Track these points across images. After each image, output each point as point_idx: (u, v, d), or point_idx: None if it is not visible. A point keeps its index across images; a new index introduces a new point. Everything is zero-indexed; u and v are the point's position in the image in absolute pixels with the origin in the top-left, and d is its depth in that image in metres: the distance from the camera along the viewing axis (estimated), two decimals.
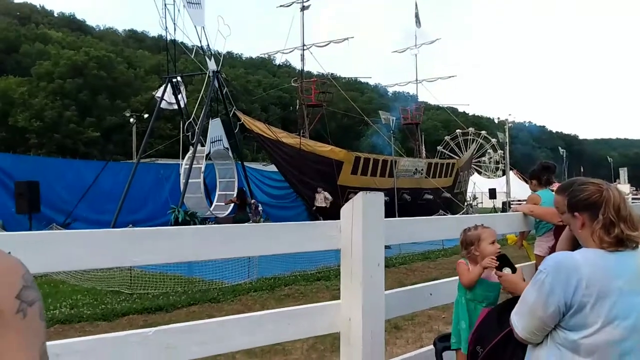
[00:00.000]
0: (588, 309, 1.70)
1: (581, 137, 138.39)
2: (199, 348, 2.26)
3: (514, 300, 2.23)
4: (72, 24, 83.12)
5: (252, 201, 18.07)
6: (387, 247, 2.91)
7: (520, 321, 1.88)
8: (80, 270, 8.76)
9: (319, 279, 10.27)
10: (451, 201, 28.10)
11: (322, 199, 18.58)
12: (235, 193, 18.59)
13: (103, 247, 1.91)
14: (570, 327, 1.75)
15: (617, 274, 1.73)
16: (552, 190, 4.27)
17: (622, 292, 1.71)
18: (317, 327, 2.72)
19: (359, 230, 2.59)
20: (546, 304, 1.76)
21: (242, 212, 16.78)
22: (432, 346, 3.36)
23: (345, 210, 2.68)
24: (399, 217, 4.54)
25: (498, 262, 2.61)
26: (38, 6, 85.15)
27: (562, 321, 1.77)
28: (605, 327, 1.69)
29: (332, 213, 17.23)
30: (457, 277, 3.77)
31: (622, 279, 1.73)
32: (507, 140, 37.65)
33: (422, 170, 27.94)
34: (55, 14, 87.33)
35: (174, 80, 18.76)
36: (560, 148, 61.71)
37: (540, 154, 76.63)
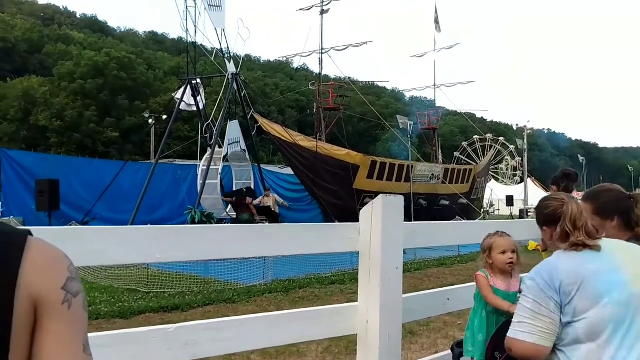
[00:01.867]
0: (576, 296, 1.84)
1: (601, 145, 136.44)
2: (218, 345, 2.29)
3: None
4: (94, 25, 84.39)
5: (258, 199, 18.22)
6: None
7: (525, 328, 1.91)
8: (107, 265, 8.89)
9: (333, 282, 10.27)
10: (468, 207, 27.88)
11: (273, 202, 18.27)
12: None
13: (129, 243, 1.95)
14: (566, 320, 1.86)
15: (590, 261, 1.91)
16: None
17: (598, 273, 1.87)
18: (335, 328, 2.73)
19: (378, 232, 2.60)
20: (545, 300, 1.87)
21: (247, 211, 17.13)
22: (447, 352, 3.35)
23: (364, 212, 2.70)
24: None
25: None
26: (61, 7, 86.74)
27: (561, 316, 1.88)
28: (595, 307, 1.82)
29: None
30: (474, 283, 3.76)
31: (595, 264, 1.90)
32: (526, 147, 37.22)
33: (438, 175, 27.77)
34: (78, 15, 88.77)
35: (194, 82, 18.93)
36: (579, 156, 60.83)
37: (559, 162, 75.76)
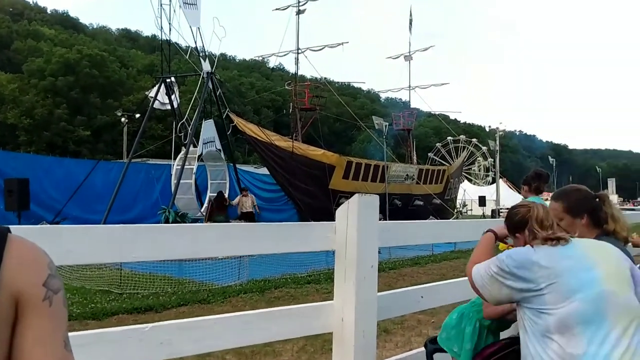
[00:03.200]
0: (546, 290, 1.91)
1: (571, 146, 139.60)
2: (193, 345, 2.29)
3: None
4: (65, 22, 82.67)
5: (235, 200, 18.21)
6: None
7: (481, 273, 2.13)
8: (81, 265, 8.73)
9: (309, 282, 10.29)
10: (442, 207, 28.24)
11: (249, 204, 18.26)
12: (226, 195, 18.63)
13: (106, 242, 1.93)
14: (536, 310, 1.94)
15: (564, 256, 1.98)
16: (543, 198, 4.34)
17: (572, 269, 1.93)
18: (311, 327, 2.75)
19: (354, 231, 2.63)
20: (510, 275, 2.00)
21: (222, 213, 17.13)
22: (421, 349, 3.40)
23: (340, 211, 2.72)
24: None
25: None
26: (31, 2, 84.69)
27: (528, 303, 1.97)
28: (565, 302, 1.88)
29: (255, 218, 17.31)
30: (446, 281, 3.82)
31: (570, 260, 1.97)
32: (498, 149, 37.86)
33: (413, 176, 28.06)
34: (49, 11, 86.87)
35: (168, 80, 18.71)
36: (550, 157, 62.11)
37: (530, 163, 77.21)
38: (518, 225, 2.22)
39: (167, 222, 15.86)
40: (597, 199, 2.49)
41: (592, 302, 1.88)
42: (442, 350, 2.84)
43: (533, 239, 2.11)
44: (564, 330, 1.88)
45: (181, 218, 16.24)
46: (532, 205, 2.22)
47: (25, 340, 0.83)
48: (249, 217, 17.25)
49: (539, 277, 1.93)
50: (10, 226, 1.18)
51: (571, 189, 2.60)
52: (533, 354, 1.96)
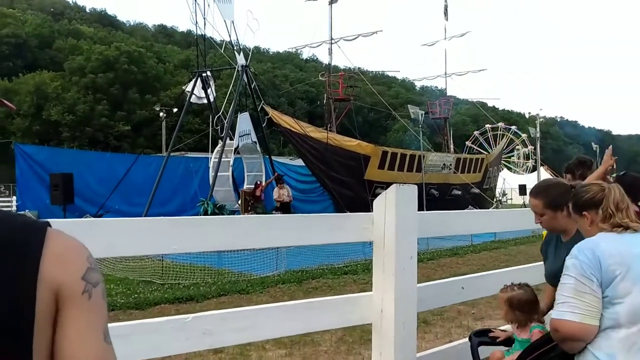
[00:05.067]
0: (618, 279, 1.85)
1: (615, 132, 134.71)
2: (234, 335, 2.32)
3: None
4: (103, 20, 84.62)
5: (274, 191, 18.40)
6: None
7: (569, 307, 1.89)
8: (123, 257, 8.99)
9: (346, 272, 10.28)
10: (480, 197, 27.75)
11: (286, 194, 18.27)
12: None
13: (146, 234, 1.97)
14: (606, 302, 1.87)
15: (634, 245, 1.93)
16: None
17: None
18: (350, 318, 2.75)
19: (392, 222, 2.60)
20: (588, 276, 1.87)
21: (259, 204, 17.52)
22: (462, 340, 3.36)
23: (378, 202, 2.70)
24: None
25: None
26: (71, 2, 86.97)
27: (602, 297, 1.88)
28: (637, 291, 1.84)
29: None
30: (489, 272, 3.75)
31: (639, 247, 1.92)
32: (538, 136, 36.85)
33: (450, 165, 27.64)
34: (87, 10, 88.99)
35: (204, 74, 18.96)
36: (593, 144, 60.12)
37: (572, 150, 74.98)
38: (588, 204, 2.11)
39: (205, 214, 16.14)
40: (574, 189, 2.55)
41: None
42: (487, 343, 2.79)
43: (604, 220, 2.03)
44: (635, 319, 1.84)
45: (219, 210, 16.50)
46: (608, 185, 2.14)
47: (65, 334, 0.84)
48: (285, 207, 17.37)
49: (609, 265, 1.87)
50: (52, 220, 1.21)
51: (547, 184, 2.72)
52: (592, 349, 1.90)
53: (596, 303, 1.86)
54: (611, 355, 1.85)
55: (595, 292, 1.86)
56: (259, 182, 18.67)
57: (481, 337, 2.83)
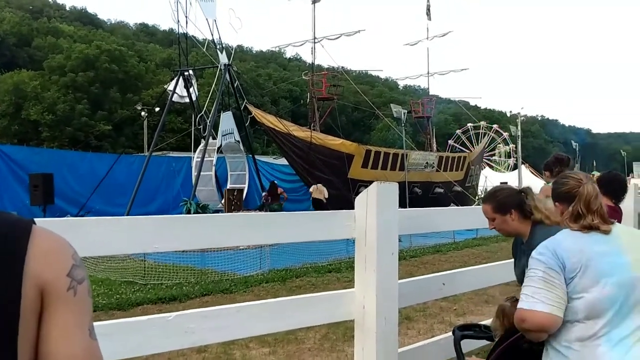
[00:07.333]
0: (578, 275, 1.89)
1: (594, 131, 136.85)
2: (217, 333, 2.32)
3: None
4: (83, 18, 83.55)
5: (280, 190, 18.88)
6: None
7: (540, 297, 1.90)
8: (106, 257, 8.89)
9: (330, 270, 10.31)
10: (462, 195, 27.99)
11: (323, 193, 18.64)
12: (246, 186, 18.82)
13: (130, 233, 1.96)
14: (567, 297, 1.91)
15: (596, 243, 1.96)
16: None
17: (603, 254, 1.92)
18: (333, 314, 2.77)
19: (373, 219, 2.63)
20: (556, 270, 1.91)
21: (276, 202, 18.14)
22: (444, 335, 3.40)
23: (359, 199, 2.72)
24: None
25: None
26: (50, 0, 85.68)
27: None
28: (595, 287, 1.88)
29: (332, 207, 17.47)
30: (469, 268, 3.80)
31: (601, 245, 1.95)
32: (519, 134, 37.25)
33: (433, 163, 27.84)
34: (67, 8, 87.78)
35: (186, 73, 18.85)
36: (572, 142, 60.97)
37: (553, 148, 75.98)
38: (562, 196, 2.11)
39: (188, 213, 16.05)
40: (522, 193, 2.64)
41: (621, 287, 1.88)
42: (470, 337, 2.83)
43: (572, 218, 2.01)
44: (592, 315, 1.88)
45: (202, 209, 16.43)
46: (584, 182, 2.06)
47: (51, 330, 0.84)
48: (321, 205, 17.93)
49: (571, 262, 1.91)
50: (35, 218, 1.21)
51: (495, 189, 2.82)
52: (552, 342, 1.96)
53: (563, 295, 1.90)
54: (568, 348, 1.91)
55: (562, 285, 1.90)
56: (276, 184, 18.98)
57: (464, 331, 2.87)
